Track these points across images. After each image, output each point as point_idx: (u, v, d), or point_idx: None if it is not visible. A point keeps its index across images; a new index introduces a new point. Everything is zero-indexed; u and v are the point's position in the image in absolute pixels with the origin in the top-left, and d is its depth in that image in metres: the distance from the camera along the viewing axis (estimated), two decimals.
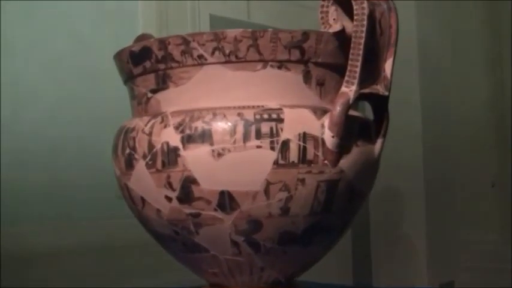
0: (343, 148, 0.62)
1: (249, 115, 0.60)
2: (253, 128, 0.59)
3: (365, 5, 0.61)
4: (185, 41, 0.62)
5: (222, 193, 0.60)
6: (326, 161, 0.61)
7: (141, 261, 1.23)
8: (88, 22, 1.29)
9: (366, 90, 0.63)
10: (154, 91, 0.66)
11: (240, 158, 0.59)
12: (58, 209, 1.20)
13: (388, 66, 0.65)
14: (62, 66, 1.24)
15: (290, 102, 0.62)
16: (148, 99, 0.66)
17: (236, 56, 0.61)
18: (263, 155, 0.59)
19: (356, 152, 0.64)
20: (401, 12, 0.66)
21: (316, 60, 0.63)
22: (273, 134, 0.59)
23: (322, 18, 0.65)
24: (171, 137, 0.61)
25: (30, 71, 1.20)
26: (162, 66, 0.64)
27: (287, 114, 0.60)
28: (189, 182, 0.61)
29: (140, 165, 0.64)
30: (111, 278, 1.18)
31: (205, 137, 0.60)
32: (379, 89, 0.65)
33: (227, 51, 0.61)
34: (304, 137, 0.60)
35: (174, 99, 0.64)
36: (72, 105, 1.24)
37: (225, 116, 0.60)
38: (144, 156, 0.63)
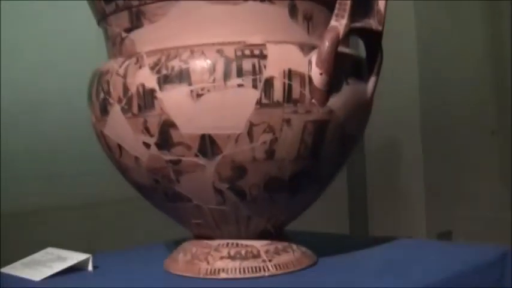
0: (332, 86, 0.57)
1: (230, 52, 0.55)
2: (234, 65, 0.55)
3: None
4: None
5: (203, 137, 0.56)
6: (314, 100, 0.57)
7: (130, 216, 1.19)
8: None
9: (358, 25, 0.58)
10: (128, 30, 0.61)
11: (220, 98, 0.55)
12: (44, 167, 1.16)
13: None
14: (42, 26, 1.18)
15: (275, 37, 0.57)
16: (123, 39, 0.61)
17: None
18: (245, 94, 0.55)
19: (347, 91, 0.59)
20: None
21: None
22: (255, 71, 0.55)
23: None
24: (147, 78, 0.57)
25: (10, 32, 1.14)
26: (135, 2, 0.59)
27: (271, 50, 0.56)
28: (167, 126, 0.56)
29: (115, 110, 0.59)
30: (100, 234, 1.15)
31: (183, 76, 0.55)
32: (372, 23, 0.60)
33: None
34: (290, 74, 0.56)
35: (149, 38, 0.59)
36: (54, 62, 1.19)
37: (203, 53, 0.56)
38: (120, 101, 0.59)
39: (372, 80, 0.63)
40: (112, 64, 0.61)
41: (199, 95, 0.55)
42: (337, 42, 0.56)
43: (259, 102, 0.55)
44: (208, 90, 0.55)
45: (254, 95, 0.55)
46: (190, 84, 0.55)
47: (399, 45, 1.59)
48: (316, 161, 0.60)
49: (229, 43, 0.56)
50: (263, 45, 0.56)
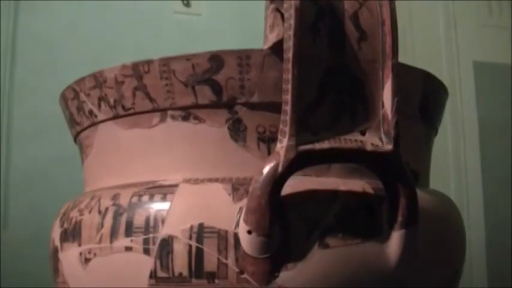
0: (282, 251, 0.35)
1: (125, 198, 0.38)
2: (123, 219, 0.37)
3: None
4: (75, 93, 0.43)
5: None
6: (245, 275, 0.35)
7: None
8: None
9: (324, 146, 0.35)
10: (82, 163, 0.48)
11: (107, 266, 0.37)
12: None
13: (387, 96, 0.36)
14: None
15: (201, 173, 0.38)
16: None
17: (123, 107, 0.40)
18: (135, 261, 0.36)
19: (323, 258, 0.35)
20: None
21: (248, 99, 0.38)
22: (148, 227, 0.36)
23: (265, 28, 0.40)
24: (56, 232, 0.42)
25: None
26: (73, 131, 0.46)
27: (180, 194, 0.36)
28: None
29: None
30: None
31: (76, 233, 0.40)
32: (368, 140, 0.36)
33: (112, 101, 0.40)
34: (200, 232, 0.35)
35: (86, 177, 0.45)
36: None
37: (99, 200, 0.39)
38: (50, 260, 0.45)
39: (397, 234, 0.37)
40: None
41: (87, 260, 0.38)
42: (276, 178, 0.34)
43: (153, 275, 0.36)
44: (95, 254, 0.38)
45: (147, 263, 0.36)
46: (80, 244, 0.39)
47: None
48: None
49: (131, 185, 0.38)
50: (172, 186, 0.37)
